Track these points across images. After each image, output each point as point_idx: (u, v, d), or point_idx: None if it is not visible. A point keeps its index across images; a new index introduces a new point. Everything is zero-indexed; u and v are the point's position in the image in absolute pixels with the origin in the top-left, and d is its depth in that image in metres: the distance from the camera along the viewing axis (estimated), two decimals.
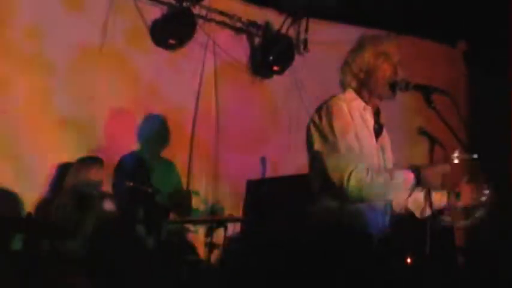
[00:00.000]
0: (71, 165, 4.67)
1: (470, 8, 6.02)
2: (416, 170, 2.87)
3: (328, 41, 6.17)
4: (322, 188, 2.94)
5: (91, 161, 4.65)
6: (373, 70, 3.03)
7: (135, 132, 5.44)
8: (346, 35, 6.00)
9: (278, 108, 6.21)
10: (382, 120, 3.14)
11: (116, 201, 4.61)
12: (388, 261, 2.97)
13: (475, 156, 2.91)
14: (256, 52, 6.09)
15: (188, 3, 5.56)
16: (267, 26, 6.06)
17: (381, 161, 3.06)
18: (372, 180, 2.81)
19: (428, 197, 3.01)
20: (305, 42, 6.24)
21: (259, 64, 6.07)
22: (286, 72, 6.14)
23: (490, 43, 6.49)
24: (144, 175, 5.20)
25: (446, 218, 3.08)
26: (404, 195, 3.00)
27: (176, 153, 5.63)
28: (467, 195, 3.02)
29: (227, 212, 5.16)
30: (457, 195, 3.04)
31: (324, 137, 2.92)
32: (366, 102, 3.06)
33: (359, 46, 3.10)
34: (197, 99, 5.81)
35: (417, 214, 3.12)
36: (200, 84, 5.83)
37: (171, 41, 5.58)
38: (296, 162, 5.52)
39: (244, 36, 6.08)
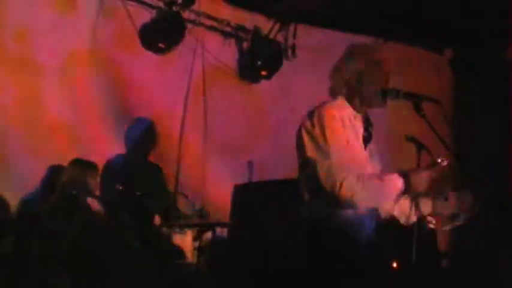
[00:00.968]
0: (63, 167, 4.66)
1: (457, 16, 6.08)
2: (405, 175, 2.90)
3: (316, 46, 6.22)
4: (312, 194, 2.95)
5: (89, 166, 4.64)
6: (365, 78, 3.03)
7: (123, 135, 5.43)
8: (334, 40, 6.09)
9: (265, 112, 6.24)
10: (371, 128, 3.15)
11: (104, 204, 4.61)
12: (374, 266, 3.01)
13: (459, 159, 2.92)
14: (244, 56, 6.13)
15: (177, 8, 5.58)
16: (256, 30, 6.10)
17: (370, 168, 3.08)
18: (363, 187, 2.82)
19: (414, 204, 3.03)
20: (293, 47, 6.28)
21: (248, 68, 6.11)
22: (274, 77, 6.18)
23: (476, 51, 6.56)
24: (131, 178, 5.19)
25: (431, 224, 3.11)
26: (394, 201, 3.02)
27: (164, 156, 5.64)
28: (453, 201, 3.04)
29: (214, 216, 5.17)
30: (444, 201, 3.05)
31: (316, 144, 2.91)
32: (356, 110, 3.06)
33: (351, 53, 3.09)
34: (185, 102, 5.83)
35: (402, 221, 3.13)
36: (188, 88, 5.85)
37: (160, 45, 5.59)
38: (283, 167, 5.55)
39: (232, 41, 6.11)
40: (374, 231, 3.05)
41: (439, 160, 2.90)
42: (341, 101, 3.06)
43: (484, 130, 6.43)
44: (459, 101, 6.71)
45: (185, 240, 5.12)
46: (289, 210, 3.19)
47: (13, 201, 4.70)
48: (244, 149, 5.97)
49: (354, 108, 3.06)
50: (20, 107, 5.03)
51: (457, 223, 3.04)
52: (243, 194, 5.62)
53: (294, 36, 6.29)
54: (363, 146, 3.05)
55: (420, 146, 3.08)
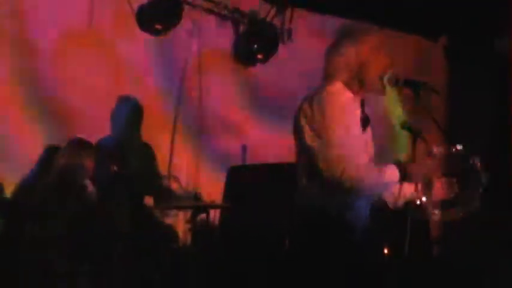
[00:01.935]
0: (59, 148, 4.65)
1: (452, 4, 6.08)
2: (402, 166, 2.91)
3: (312, 31, 6.22)
4: (310, 179, 2.94)
5: (86, 146, 4.62)
6: (369, 63, 2.99)
7: (116, 115, 5.43)
8: (330, 25, 6.09)
9: (261, 96, 6.24)
10: (367, 111, 3.13)
11: (98, 185, 4.61)
12: (369, 252, 3.04)
13: (460, 148, 2.92)
14: (240, 40, 6.11)
15: None
16: (252, 14, 6.08)
17: (368, 152, 3.08)
18: (362, 177, 2.81)
19: (400, 188, 3.02)
20: (289, 31, 6.27)
21: (244, 52, 6.09)
22: (270, 61, 6.16)
23: (471, 39, 6.57)
24: (123, 159, 5.19)
25: (434, 215, 3.09)
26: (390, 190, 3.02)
27: (159, 138, 5.64)
28: (439, 189, 3.04)
29: (208, 198, 5.18)
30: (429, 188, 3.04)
31: (315, 130, 2.88)
32: (354, 94, 3.02)
33: (353, 37, 3.03)
34: (181, 84, 5.82)
35: (390, 205, 3.12)
36: (184, 70, 5.83)
37: (157, 26, 5.56)
38: (277, 151, 5.57)
39: (229, 24, 6.09)
40: (368, 217, 3.07)
41: (435, 149, 2.91)
42: (339, 85, 3.00)
43: (477, 118, 6.46)
44: (453, 88, 6.72)
45: (178, 223, 5.15)
46: (284, 193, 3.19)
47: (12, 183, 4.70)
48: (239, 131, 5.99)
49: (352, 92, 3.02)
50: (12, 85, 5.00)
51: (447, 215, 3.03)
52: (237, 176, 5.64)
53: (291, 20, 6.27)
54: (360, 130, 3.02)
55: (416, 134, 3.08)
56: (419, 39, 6.92)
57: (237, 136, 5.93)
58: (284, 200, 3.21)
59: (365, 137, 3.05)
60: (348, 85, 3.01)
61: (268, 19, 6.12)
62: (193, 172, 5.81)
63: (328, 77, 3.04)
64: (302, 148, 2.96)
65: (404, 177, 2.89)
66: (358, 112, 3.02)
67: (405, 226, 3.07)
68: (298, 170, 3.01)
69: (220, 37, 6.01)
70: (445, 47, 7.01)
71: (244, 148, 5.88)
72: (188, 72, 5.85)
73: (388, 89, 3.03)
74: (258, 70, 6.21)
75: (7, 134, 4.96)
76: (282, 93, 6.11)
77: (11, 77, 5.02)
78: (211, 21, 5.98)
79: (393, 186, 2.98)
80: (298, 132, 2.97)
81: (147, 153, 5.46)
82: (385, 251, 3.92)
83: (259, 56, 6.10)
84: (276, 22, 6.22)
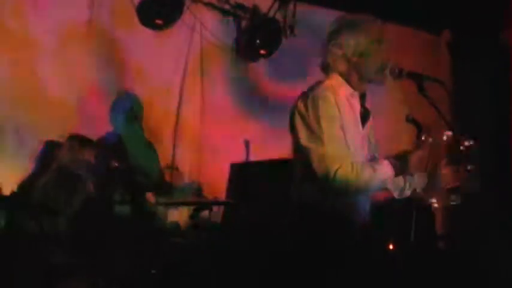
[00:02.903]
0: (57, 143, 4.63)
1: None
2: (394, 161, 2.86)
3: (315, 25, 6.18)
4: (305, 177, 2.89)
5: (86, 141, 4.61)
6: (368, 54, 2.92)
7: (117, 110, 5.41)
8: (332, 20, 6.05)
9: (263, 91, 6.21)
10: (368, 104, 3.08)
11: (97, 180, 4.59)
12: (369, 248, 3.00)
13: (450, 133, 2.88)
14: (243, 35, 6.07)
15: None
16: (255, 9, 6.05)
17: (367, 148, 3.03)
18: (357, 176, 2.76)
19: (406, 177, 2.99)
20: (292, 26, 6.24)
21: (246, 47, 6.06)
22: (273, 56, 6.13)
23: (475, 31, 6.54)
24: (124, 154, 5.18)
25: (425, 199, 3.07)
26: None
27: (161, 133, 5.63)
28: (448, 176, 3.00)
29: (211, 193, 5.16)
30: (436, 176, 3.00)
31: (310, 131, 2.83)
32: (354, 88, 2.97)
33: (352, 28, 2.95)
34: (182, 80, 5.80)
35: (396, 195, 3.09)
36: (186, 65, 5.81)
37: (158, 21, 5.54)
38: (280, 147, 5.54)
39: (231, 19, 6.06)
40: (369, 212, 3.04)
41: (423, 138, 2.87)
42: (336, 79, 2.95)
43: (482, 112, 6.43)
44: (456, 83, 6.70)
45: (181, 219, 5.13)
46: (286, 190, 3.16)
47: (10, 178, 4.68)
48: (242, 127, 5.95)
49: (351, 85, 2.97)
50: (17, 83, 4.98)
51: (456, 198, 3.00)
52: (240, 172, 5.61)
53: (293, 15, 6.24)
54: (360, 124, 2.99)
55: (420, 127, 3.05)
56: (422, 34, 6.88)
57: (240, 131, 5.89)
58: (287, 196, 3.18)
59: (364, 133, 3.01)
60: (346, 77, 2.96)
61: (270, 14, 6.08)
62: (196, 167, 5.80)
63: (326, 68, 2.99)
64: (297, 146, 2.90)
65: (398, 173, 2.86)
66: (356, 108, 2.97)
67: (410, 220, 3.04)
68: (293, 168, 2.97)
69: (222, 32, 5.98)
70: (448, 41, 6.97)
71: (247, 143, 5.85)
72: (190, 67, 5.82)
73: (390, 80, 2.99)
74: (260, 65, 6.17)
75: (8, 131, 4.93)
76: (284, 88, 6.08)
77: (12, 73, 4.98)
78: (213, 16, 5.95)
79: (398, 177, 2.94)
80: (293, 130, 2.92)
81: (149, 149, 5.45)
82: (390, 246, 3.90)
83: (262, 51, 6.07)
84: (279, 17, 6.18)
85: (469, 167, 2.90)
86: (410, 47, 6.41)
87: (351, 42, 2.93)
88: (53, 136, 4.83)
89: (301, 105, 2.87)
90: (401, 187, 3.03)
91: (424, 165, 2.88)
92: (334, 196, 2.84)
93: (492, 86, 6.63)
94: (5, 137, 4.94)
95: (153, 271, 4.32)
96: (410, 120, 3.08)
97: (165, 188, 5.38)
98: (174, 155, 5.70)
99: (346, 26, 2.98)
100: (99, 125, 5.29)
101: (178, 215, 5.23)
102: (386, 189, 3.06)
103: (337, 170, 2.75)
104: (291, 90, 5.82)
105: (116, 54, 5.48)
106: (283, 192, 3.18)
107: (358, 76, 2.97)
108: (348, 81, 2.97)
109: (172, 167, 5.63)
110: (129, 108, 5.41)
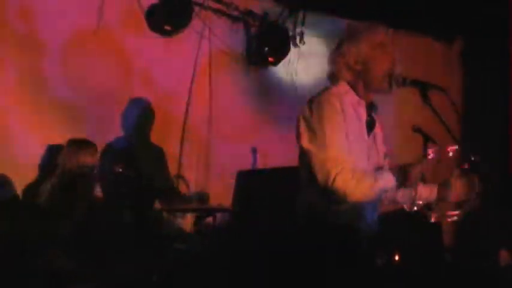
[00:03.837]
0: (62, 147, 4.62)
1: (468, 5, 6.01)
2: (397, 171, 2.84)
3: (324, 34, 6.16)
4: (309, 183, 2.87)
5: (86, 144, 4.59)
6: (371, 62, 2.92)
7: (125, 116, 5.39)
8: (342, 29, 6.01)
9: (271, 99, 6.18)
10: (375, 114, 3.07)
11: (104, 186, 4.58)
12: (376, 258, 2.96)
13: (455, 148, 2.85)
14: (252, 42, 6.05)
15: None
16: (264, 16, 6.03)
17: (372, 157, 3.00)
18: (357, 183, 2.73)
19: (416, 190, 2.96)
20: (301, 34, 6.22)
21: (255, 54, 6.04)
22: (281, 64, 6.11)
23: (486, 41, 6.50)
24: (132, 160, 5.16)
25: (436, 213, 3.04)
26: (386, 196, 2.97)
27: (168, 140, 5.60)
28: (458, 190, 2.95)
29: (216, 201, 5.13)
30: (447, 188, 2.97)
31: (312, 134, 2.82)
32: (360, 96, 2.96)
33: (354, 36, 2.96)
34: (190, 86, 5.78)
35: (407, 207, 3.05)
36: (194, 72, 5.79)
37: (167, 27, 5.53)
38: (287, 154, 5.50)
39: (240, 26, 6.04)
40: (377, 222, 3.00)
41: (429, 152, 2.84)
42: (343, 87, 2.94)
43: (493, 121, 6.38)
44: (468, 91, 6.65)
45: (186, 225, 5.11)
46: (293, 198, 3.13)
47: (15, 181, 4.67)
48: (249, 135, 5.92)
49: (357, 94, 2.96)
50: (23, 86, 4.97)
51: (460, 212, 2.96)
52: (247, 180, 5.57)
53: (303, 23, 6.22)
54: (365, 133, 2.97)
55: (427, 137, 3.02)
56: (434, 43, 6.84)
57: (247, 139, 5.86)
58: (292, 205, 3.15)
59: (369, 142, 2.98)
60: (352, 86, 2.96)
61: (280, 21, 6.06)
62: (203, 175, 5.77)
63: (332, 78, 3.00)
64: (301, 151, 2.90)
65: (403, 180, 2.82)
66: (362, 116, 2.95)
67: (417, 232, 3.01)
68: (300, 172, 2.95)
69: (231, 39, 5.96)
70: (460, 50, 6.93)
71: (254, 151, 5.81)
72: (198, 74, 5.81)
73: (396, 89, 2.96)
74: (269, 73, 6.14)
75: (15, 134, 4.92)
76: (292, 96, 6.05)
77: (20, 77, 4.98)
78: (222, 23, 5.93)
79: (409, 189, 2.93)
80: (298, 133, 2.91)
81: (158, 155, 5.43)
82: (396, 257, 3.85)
83: (271, 59, 6.05)
84: (288, 25, 6.16)
85: (478, 182, 2.88)
86: (422, 56, 6.38)
87: (353, 50, 2.93)
88: (58, 141, 4.81)
89: (306, 110, 2.87)
90: (412, 199, 2.99)
91: (426, 178, 2.87)
92: (336, 203, 2.81)
93: (504, 94, 6.59)
94: (11, 140, 4.92)
95: (154, 277, 4.29)
96: (417, 130, 3.05)
97: (173, 195, 5.36)
98: (180, 163, 5.67)
99: (348, 34, 2.99)
100: (107, 129, 5.27)
101: (183, 222, 5.21)
102: (395, 201, 3.05)
103: (337, 174, 2.72)
104: (299, 98, 5.84)
105: (124, 60, 5.46)
106: (290, 199, 3.16)
107: (364, 85, 2.96)
108: (355, 90, 2.96)
109: (179, 175, 5.61)
110: (139, 115, 5.40)
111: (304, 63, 6.23)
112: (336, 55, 2.97)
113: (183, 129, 5.73)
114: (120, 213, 4.70)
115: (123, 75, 5.45)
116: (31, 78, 5.04)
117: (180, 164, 5.67)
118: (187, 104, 5.76)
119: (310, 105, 2.86)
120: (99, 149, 4.80)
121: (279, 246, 4.10)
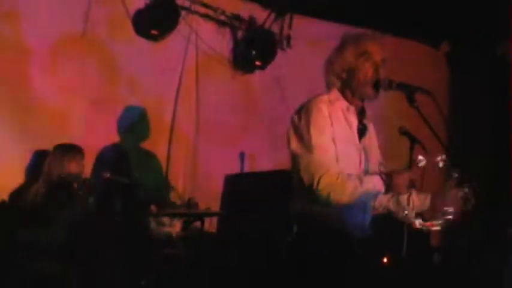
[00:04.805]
0: (48, 153, 4.60)
1: (454, 10, 6.04)
2: (385, 177, 2.87)
3: (311, 38, 6.17)
4: (301, 187, 2.93)
5: (72, 149, 4.57)
6: (355, 70, 3.01)
7: (114, 122, 5.38)
8: (329, 32, 6.04)
9: (258, 103, 6.18)
10: (367, 120, 3.12)
11: (95, 192, 4.56)
12: (367, 261, 2.98)
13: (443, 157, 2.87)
14: (238, 46, 6.05)
15: None
16: (251, 20, 6.03)
17: (362, 162, 3.04)
18: (341, 185, 2.80)
19: (410, 198, 2.99)
20: (288, 38, 6.23)
21: (242, 58, 6.04)
22: (268, 68, 6.11)
23: (472, 44, 6.54)
24: (125, 167, 5.15)
25: (426, 221, 3.04)
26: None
27: (155, 145, 5.59)
28: (453, 200, 2.97)
29: (204, 206, 5.12)
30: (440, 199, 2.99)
31: (300, 137, 2.92)
32: (349, 102, 3.04)
33: (341, 45, 3.07)
34: (177, 91, 5.77)
35: (398, 215, 3.07)
36: (181, 76, 5.78)
37: (153, 32, 5.51)
38: (275, 158, 5.52)
39: (227, 30, 6.03)
40: (368, 226, 3.02)
41: (418, 160, 2.86)
42: (334, 93, 3.04)
43: (479, 124, 6.42)
44: (455, 95, 6.68)
45: (173, 230, 5.08)
46: (281, 201, 3.16)
47: (1, 187, 4.64)
48: (236, 139, 5.92)
49: (347, 100, 3.05)
50: (8, 89, 4.94)
51: (442, 222, 2.97)
52: (234, 184, 5.58)
53: (290, 26, 6.23)
54: (356, 139, 3.02)
55: (413, 139, 3.04)
56: (420, 46, 6.87)
57: (235, 143, 5.86)
58: (282, 208, 3.17)
59: (360, 147, 3.04)
60: (342, 93, 3.06)
61: (266, 25, 6.07)
62: (190, 180, 5.75)
63: (327, 86, 3.10)
64: (290, 156, 2.99)
65: (387, 189, 2.86)
66: (353, 122, 3.03)
67: (404, 234, 3.02)
68: (292, 177, 3.02)
69: (218, 43, 5.96)
70: (446, 53, 6.97)
71: (242, 155, 5.82)
72: (185, 78, 5.79)
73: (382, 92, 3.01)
74: (256, 77, 6.15)
75: (1, 139, 4.90)
76: (280, 100, 6.05)
77: (5, 82, 4.95)
78: (208, 27, 5.92)
79: (401, 196, 2.99)
80: (287, 139, 3.00)
81: (150, 160, 5.43)
82: (385, 260, 3.86)
83: (258, 63, 6.05)
84: (275, 28, 6.16)
85: (466, 193, 2.91)
86: (408, 59, 6.40)
87: (339, 59, 3.05)
88: (45, 145, 4.78)
89: (295, 116, 2.98)
90: (404, 208, 3.02)
91: (409, 187, 2.89)
92: (322, 205, 2.84)
93: (491, 97, 6.63)
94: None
95: (142, 282, 4.29)
96: (404, 132, 3.07)
97: (163, 201, 5.36)
98: (168, 166, 5.66)
99: (339, 44, 3.10)
100: (94, 134, 5.24)
101: (171, 226, 5.19)
102: (388, 209, 3.08)
103: (321, 176, 2.79)
104: (287, 102, 5.85)
105: (111, 64, 5.44)
106: (278, 203, 3.18)
107: (351, 92, 3.05)
108: (344, 97, 3.05)
109: (167, 183, 5.61)
110: (130, 122, 5.40)
111: (291, 66, 6.22)
112: (327, 64, 3.09)
113: (171, 133, 5.72)
114: (110, 219, 4.69)
115: (110, 80, 5.44)
116: (17, 83, 5.00)
117: (168, 169, 5.66)
118: (175, 108, 5.75)
119: (300, 111, 2.96)
120: (90, 156, 4.78)
121: (270, 248, 4.11)
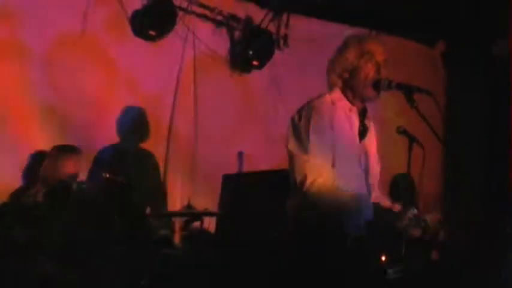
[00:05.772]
0: (46, 154, 4.60)
1: (449, 9, 6.07)
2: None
3: (308, 37, 6.19)
4: (295, 188, 2.95)
5: (69, 150, 4.57)
6: (356, 70, 3.02)
7: (113, 123, 5.38)
8: (326, 32, 6.07)
9: (256, 102, 6.19)
10: (368, 120, 3.13)
11: (93, 192, 4.57)
12: (363, 260, 2.99)
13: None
14: (235, 46, 6.06)
15: None
16: (248, 20, 6.04)
17: (362, 162, 3.06)
18: (330, 194, 2.82)
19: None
20: (285, 37, 6.24)
21: (239, 58, 6.05)
22: (266, 67, 6.12)
23: (468, 44, 6.56)
24: (124, 168, 5.15)
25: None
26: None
27: (153, 145, 5.59)
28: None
29: (203, 206, 5.13)
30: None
31: (298, 137, 2.93)
32: (351, 103, 3.05)
33: (343, 46, 3.09)
34: (175, 91, 5.78)
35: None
36: (179, 76, 5.79)
37: (151, 32, 5.52)
38: (273, 158, 5.52)
39: (224, 30, 6.04)
40: (363, 224, 3.03)
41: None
42: (337, 94, 3.05)
43: (475, 124, 6.43)
44: (451, 94, 6.70)
45: (173, 230, 5.10)
46: (279, 201, 3.17)
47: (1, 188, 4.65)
48: (235, 138, 5.93)
49: (349, 100, 3.06)
50: (6, 90, 4.95)
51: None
52: (233, 184, 5.58)
53: (287, 26, 6.24)
54: (357, 138, 3.03)
55: (412, 139, 3.07)
56: (416, 45, 6.89)
57: (233, 142, 5.87)
58: (280, 207, 3.19)
59: (361, 147, 3.06)
60: (343, 93, 3.06)
61: (264, 25, 6.08)
62: (189, 179, 5.76)
63: (329, 86, 3.11)
64: (288, 156, 2.99)
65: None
66: (354, 122, 3.04)
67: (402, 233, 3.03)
68: (289, 176, 3.02)
69: (215, 43, 5.96)
70: (443, 52, 6.99)
71: (240, 155, 5.83)
72: (183, 78, 5.80)
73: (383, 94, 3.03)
74: (253, 76, 6.16)
75: (0, 140, 4.89)
76: (277, 99, 6.06)
77: (4, 83, 4.95)
78: (206, 27, 5.93)
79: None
80: (286, 138, 3.01)
81: (149, 160, 5.44)
82: (383, 258, 3.87)
83: (255, 63, 6.06)
84: (272, 28, 6.18)
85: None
86: (404, 59, 6.41)
87: (341, 59, 3.06)
88: (46, 146, 4.79)
89: (296, 116, 2.98)
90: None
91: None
92: (318, 208, 2.86)
93: (487, 96, 6.65)
94: None
95: (142, 282, 4.29)
96: (402, 132, 3.10)
97: (162, 200, 5.37)
98: (166, 166, 5.67)
99: (341, 44, 3.12)
100: (92, 135, 5.25)
101: (170, 227, 5.21)
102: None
103: (314, 180, 2.80)
104: (284, 101, 5.87)
105: (109, 65, 5.44)
106: (276, 202, 3.19)
107: (352, 92, 3.06)
108: (346, 97, 3.07)
109: (165, 181, 5.61)
110: (129, 122, 5.40)
111: (288, 66, 6.24)
112: (329, 64, 3.10)
113: (169, 133, 5.73)
114: (109, 219, 4.69)
115: (108, 80, 5.44)
116: (15, 84, 5.00)
117: (166, 169, 5.67)
118: (173, 108, 5.76)
119: (301, 111, 2.97)
120: (89, 156, 4.79)
121: (268, 248, 4.13)
